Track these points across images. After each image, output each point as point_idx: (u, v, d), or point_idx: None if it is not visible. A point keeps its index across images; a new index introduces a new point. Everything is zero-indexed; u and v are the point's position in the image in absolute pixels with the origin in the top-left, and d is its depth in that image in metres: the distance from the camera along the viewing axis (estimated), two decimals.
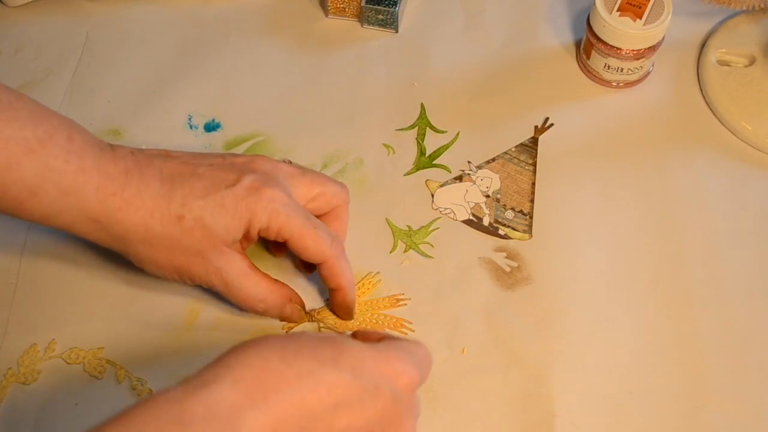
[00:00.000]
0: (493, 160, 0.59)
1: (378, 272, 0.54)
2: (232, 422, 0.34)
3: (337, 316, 0.52)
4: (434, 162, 0.59)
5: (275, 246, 0.54)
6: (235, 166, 0.49)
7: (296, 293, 0.52)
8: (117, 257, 0.54)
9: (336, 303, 0.51)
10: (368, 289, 0.53)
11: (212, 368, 0.36)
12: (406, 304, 0.53)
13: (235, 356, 0.37)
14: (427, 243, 0.55)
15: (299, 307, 0.52)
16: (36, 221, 0.46)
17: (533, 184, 0.58)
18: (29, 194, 0.44)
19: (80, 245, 0.55)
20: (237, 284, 0.48)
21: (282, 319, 0.52)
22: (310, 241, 0.48)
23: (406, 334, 0.52)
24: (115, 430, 0.33)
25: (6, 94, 0.45)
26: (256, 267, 0.49)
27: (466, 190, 0.58)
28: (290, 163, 0.53)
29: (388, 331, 0.52)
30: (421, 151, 0.60)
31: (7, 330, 0.52)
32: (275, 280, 0.51)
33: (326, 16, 0.67)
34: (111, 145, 0.48)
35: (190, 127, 0.61)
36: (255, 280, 0.49)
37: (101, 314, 0.53)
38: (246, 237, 0.48)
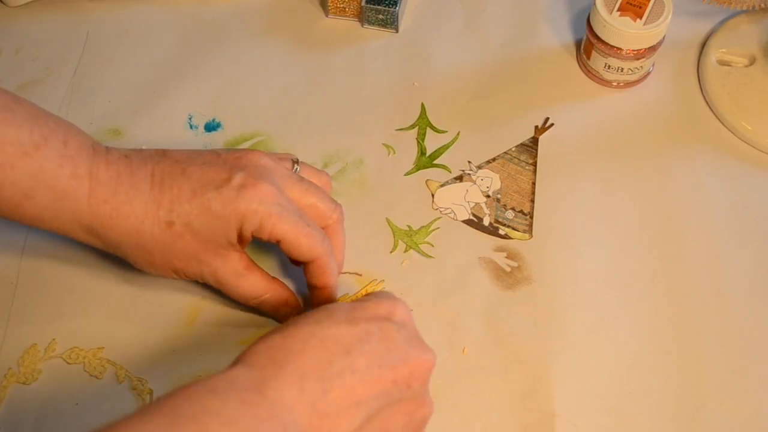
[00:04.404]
0: (494, 160, 0.59)
1: (383, 280, 0.54)
2: (258, 390, 0.37)
3: None
4: (434, 162, 0.59)
5: None
6: (228, 163, 0.47)
7: (293, 295, 0.51)
8: (117, 257, 0.54)
9: (318, 303, 0.50)
10: (369, 290, 0.53)
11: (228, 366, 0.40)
12: None
13: (243, 352, 0.40)
14: (428, 243, 0.55)
15: (295, 309, 0.51)
16: (33, 225, 0.47)
17: (533, 184, 0.58)
18: (23, 197, 0.45)
19: (80, 245, 0.55)
20: (232, 284, 0.49)
21: (277, 320, 0.52)
22: (304, 239, 0.47)
23: None
24: (152, 405, 0.36)
25: (4, 97, 0.45)
26: (253, 264, 0.49)
27: (467, 190, 0.58)
28: (297, 161, 0.52)
29: None
30: (422, 151, 0.59)
31: (8, 330, 0.52)
32: (273, 278, 0.51)
33: (326, 16, 0.67)
34: (107, 148, 0.48)
35: (191, 126, 0.61)
36: (251, 279, 0.49)
37: (101, 314, 0.53)
38: (240, 239, 0.47)
